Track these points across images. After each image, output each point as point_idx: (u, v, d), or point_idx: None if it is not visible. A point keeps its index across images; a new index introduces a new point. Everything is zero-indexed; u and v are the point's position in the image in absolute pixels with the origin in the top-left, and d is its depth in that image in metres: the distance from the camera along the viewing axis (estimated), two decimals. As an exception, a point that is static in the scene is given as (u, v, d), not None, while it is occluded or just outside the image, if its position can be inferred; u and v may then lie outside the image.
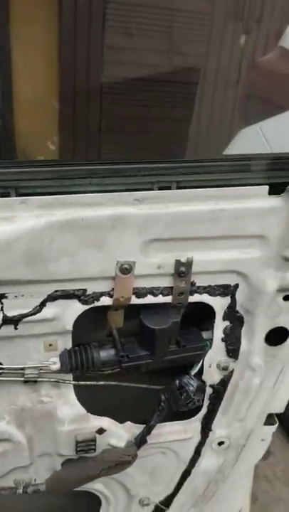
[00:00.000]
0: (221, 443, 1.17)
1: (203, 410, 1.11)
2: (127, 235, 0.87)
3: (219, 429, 1.14)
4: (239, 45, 5.19)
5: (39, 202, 0.82)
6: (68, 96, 5.26)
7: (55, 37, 5.03)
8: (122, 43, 5.22)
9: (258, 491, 2.38)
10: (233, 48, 5.40)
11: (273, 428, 1.23)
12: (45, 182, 0.84)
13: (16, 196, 0.82)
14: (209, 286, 0.97)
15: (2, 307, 0.87)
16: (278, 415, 2.51)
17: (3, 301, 0.87)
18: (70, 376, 1.00)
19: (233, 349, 1.04)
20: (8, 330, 0.90)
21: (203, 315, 1.03)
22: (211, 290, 0.98)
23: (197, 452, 1.17)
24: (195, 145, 5.58)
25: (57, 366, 0.95)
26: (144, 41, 5.16)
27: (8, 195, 0.82)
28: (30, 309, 0.90)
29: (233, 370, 1.07)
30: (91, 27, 5.11)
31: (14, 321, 0.89)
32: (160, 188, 0.89)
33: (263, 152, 0.92)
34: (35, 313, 0.90)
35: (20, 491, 1.10)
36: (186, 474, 1.21)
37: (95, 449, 1.06)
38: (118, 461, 1.08)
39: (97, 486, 1.18)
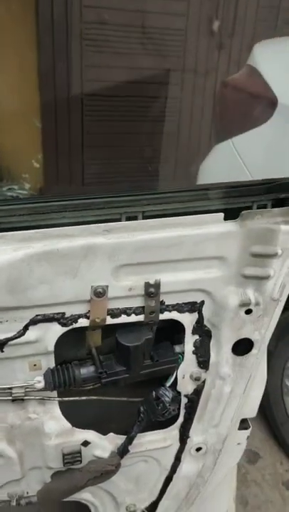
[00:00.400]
0: (198, 449, 1.25)
1: (180, 419, 1.19)
2: (98, 262, 0.96)
3: (196, 436, 1.23)
4: (213, 60, 5.33)
5: (17, 236, 0.90)
6: (50, 114, 5.36)
7: (34, 56, 5.14)
8: (100, 61, 5.34)
9: (248, 495, 2.46)
10: (208, 63, 5.54)
11: (247, 432, 1.31)
12: (22, 217, 0.92)
13: None
14: (177, 304, 1.06)
15: None
16: (268, 420, 2.58)
17: None
18: (54, 393, 1.07)
19: (203, 361, 1.13)
20: None
21: (175, 330, 1.12)
22: (179, 307, 1.07)
23: (177, 459, 1.25)
24: (172, 158, 5.70)
25: (41, 385, 1.03)
26: (121, 59, 5.29)
27: None
28: (15, 333, 0.98)
29: (205, 380, 1.15)
30: (69, 45, 5.22)
31: (0, 345, 0.97)
32: (128, 219, 0.98)
33: (222, 180, 1.01)
34: (19, 337, 0.98)
35: (14, 503, 1.16)
36: (168, 480, 1.28)
37: (80, 461, 1.14)
38: (103, 471, 1.15)
39: (85, 496, 1.25)
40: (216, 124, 3.95)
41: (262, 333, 1.11)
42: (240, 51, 5.31)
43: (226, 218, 1.00)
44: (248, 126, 2.49)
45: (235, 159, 2.54)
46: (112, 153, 5.59)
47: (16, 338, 0.98)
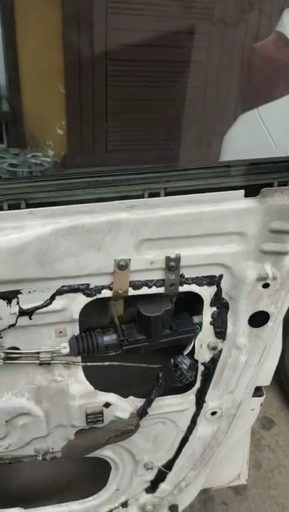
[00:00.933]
0: (213, 413, 1.32)
1: (197, 385, 1.26)
2: (121, 236, 1.00)
3: (212, 401, 1.29)
4: (243, 23, 5.14)
5: (45, 212, 0.95)
6: (74, 79, 5.31)
7: (59, 22, 5.05)
8: (125, 24, 5.22)
9: (261, 459, 2.56)
10: (236, 25, 5.35)
11: (261, 399, 1.37)
12: (50, 193, 0.97)
13: (26, 206, 0.96)
14: (197, 277, 1.11)
15: (18, 301, 1.02)
16: (285, 391, 2.65)
17: (19, 296, 1.01)
18: (78, 358, 1.15)
19: (220, 331, 1.18)
20: (24, 320, 1.04)
21: (194, 302, 1.17)
22: (198, 281, 1.11)
23: (193, 421, 1.32)
24: (197, 126, 5.60)
25: (66, 350, 1.10)
26: (146, 22, 5.16)
27: (19, 205, 0.96)
28: (42, 302, 1.04)
29: (221, 349, 1.21)
30: (93, 9, 5.10)
31: (29, 313, 1.04)
32: (150, 195, 1.01)
33: (244, 157, 1.03)
34: (46, 306, 1.04)
35: (40, 458, 1.26)
36: (184, 441, 1.36)
37: (102, 421, 1.22)
38: (123, 430, 1.24)
39: (106, 453, 1.34)
40: (242, 92, 3.88)
41: (278, 307, 1.15)
42: (271, 13, 5.11)
43: (246, 195, 1.02)
44: (276, 95, 2.43)
45: (261, 129, 2.50)
46: (135, 120, 5.53)
47: (44, 307, 1.04)
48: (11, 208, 0.95)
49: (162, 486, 1.44)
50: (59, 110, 5.53)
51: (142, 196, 1.01)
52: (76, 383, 1.17)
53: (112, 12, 5.12)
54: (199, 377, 1.25)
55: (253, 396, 1.35)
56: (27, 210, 0.94)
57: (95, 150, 5.72)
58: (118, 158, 5.59)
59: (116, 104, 5.60)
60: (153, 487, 1.45)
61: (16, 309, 1.03)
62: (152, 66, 5.47)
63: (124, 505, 1.47)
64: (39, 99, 5.34)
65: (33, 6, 4.76)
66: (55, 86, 5.39)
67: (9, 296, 1.01)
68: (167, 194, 1.02)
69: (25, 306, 1.03)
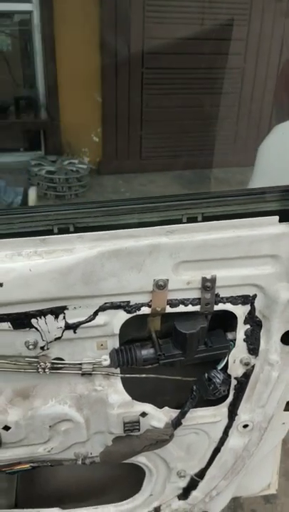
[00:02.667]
0: (245, 426, 1.36)
1: (230, 398, 1.31)
2: (161, 258, 1.07)
3: (244, 414, 1.34)
4: (279, 32, 5.13)
5: (92, 236, 1.03)
6: (110, 88, 5.42)
7: (96, 33, 5.16)
8: (162, 33, 5.29)
9: (290, 469, 2.57)
10: (274, 34, 5.34)
11: (293, 413, 1.41)
12: (96, 219, 1.05)
13: (74, 230, 1.04)
14: (231, 296, 1.16)
15: (64, 316, 1.10)
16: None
17: (66, 311, 1.10)
18: (118, 370, 1.22)
19: (253, 348, 1.23)
20: (69, 334, 1.13)
21: (228, 319, 1.22)
22: (233, 300, 1.16)
23: (225, 433, 1.38)
24: (231, 134, 5.61)
25: (107, 362, 1.18)
26: (183, 30, 5.22)
27: (68, 229, 1.04)
28: (86, 317, 1.12)
29: (254, 365, 1.26)
30: (131, 20, 5.19)
31: (74, 327, 1.12)
32: (188, 220, 1.08)
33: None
34: (90, 321, 1.12)
35: (80, 462, 1.34)
36: (216, 451, 1.41)
37: (139, 429, 1.29)
38: (158, 439, 1.30)
39: (141, 459, 1.41)
40: (277, 102, 3.88)
41: None
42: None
43: (281, 220, 1.07)
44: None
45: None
46: (169, 127, 5.59)
47: (87, 321, 1.12)
48: (60, 231, 1.03)
49: (194, 493, 1.50)
50: (95, 118, 5.65)
51: (180, 221, 1.07)
52: (115, 393, 1.24)
53: (148, 21, 5.19)
54: (232, 391, 1.30)
55: (285, 410, 1.38)
56: (76, 234, 1.02)
57: (130, 156, 5.82)
58: (152, 164, 5.67)
59: (151, 112, 5.67)
60: (185, 494, 1.51)
61: (62, 324, 1.11)
62: (187, 74, 5.52)
63: (157, 510, 1.53)
64: (76, 108, 5.48)
65: (72, 20, 4.90)
66: (91, 95, 5.52)
67: (57, 312, 1.09)
68: (204, 218, 1.08)
69: (70, 321, 1.11)
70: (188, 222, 1.07)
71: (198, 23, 5.28)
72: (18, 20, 5.50)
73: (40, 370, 1.14)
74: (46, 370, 1.15)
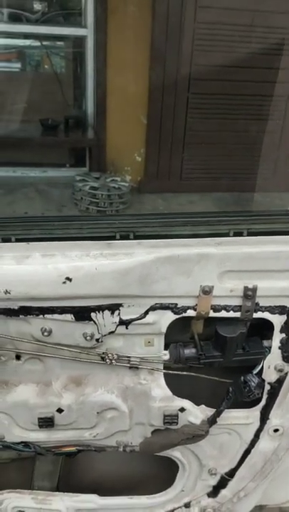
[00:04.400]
0: (276, 430, 1.46)
1: (262, 402, 1.41)
2: (208, 267, 1.21)
3: (275, 419, 1.44)
4: None
5: (150, 243, 1.18)
6: (156, 111, 5.64)
7: (147, 59, 5.40)
8: (209, 59, 5.49)
9: None
10: None
11: None
12: (154, 229, 1.20)
13: (134, 238, 1.19)
14: (270, 306, 1.28)
15: (119, 313, 1.25)
16: None
17: (120, 308, 1.24)
18: (161, 366, 1.35)
19: (287, 355, 1.33)
20: (122, 329, 1.27)
21: (265, 328, 1.34)
22: (271, 309, 1.28)
23: (256, 435, 1.47)
24: (271, 160, 5.70)
25: (167, 357, 1.31)
26: (230, 58, 5.40)
27: (128, 236, 1.20)
28: (138, 315, 1.26)
29: (287, 372, 1.36)
30: (181, 47, 5.40)
31: (126, 323, 1.26)
32: (235, 234, 1.22)
33: None
34: (141, 319, 1.26)
35: (121, 449, 1.47)
36: (246, 453, 1.51)
37: (177, 423, 1.41)
38: (194, 434, 1.42)
39: (176, 454, 1.52)
40: None
41: None
42: None
43: None
44: None
45: None
46: (211, 151, 5.74)
47: (139, 319, 1.26)
48: (122, 238, 1.19)
49: (223, 492, 1.59)
50: (139, 139, 5.87)
51: (228, 234, 1.21)
52: (158, 387, 1.37)
53: (197, 48, 5.40)
54: (265, 396, 1.40)
55: None
56: (136, 241, 1.18)
57: (170, 177, 6.00)
58: (191, 185, 5.83)
59: (194, 135, 5.85)
60: (215, 492, 1.60)
61: (117, 319, 1.26)
62: (231, 100, 5.68)
63: (187, 505, 1.63)
64: (122, 129, 5.71)
65: (124, 45, 5.16)
66: (137, 117, 5.75)
67: (113, 308, 1.24)
68: (249, 234, 1.22)
69: (124, 317, 1.26)
70: (234, 236, 1.21)
71: (246, 52, 5.44)
72: (72, 43, 5.80)
73: (107, 360, 1.28)
74: (113, 361, 1.29)
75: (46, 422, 1.37)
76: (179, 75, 5.56)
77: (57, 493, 1.62)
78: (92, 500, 1.59)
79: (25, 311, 1.21)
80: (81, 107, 5.99)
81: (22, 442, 1.42)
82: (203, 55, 5.44)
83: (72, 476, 1.75)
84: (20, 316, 1.22)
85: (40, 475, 1.64)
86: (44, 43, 5.88)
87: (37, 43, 5.88)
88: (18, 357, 1.32)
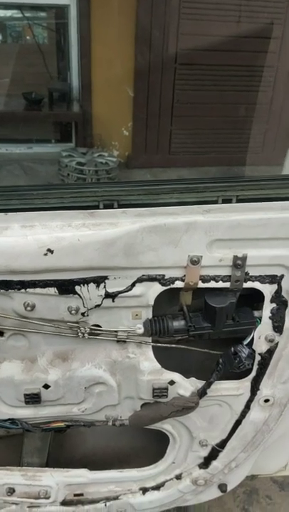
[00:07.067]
0: (266, 400, 1.44)
1: (253, 373, 1.39)
2: (196, 236, 1.16)
3: (265, 389, 1.42)
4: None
5: (135, 212, 1.13)
6: (143, 83, 5.51)
7: (132, 29, 5.25)
8: (196, 29, 5.35)
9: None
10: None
11: (313, 392, 1.49)
12: (139, 197, 1.15)
13: (118, 207, 1.14)
14: (260, 275, 1.25)
15: (105, 285, 1.21)
16: None
17: (106, 281, 1.20)
18: (149, 339, 1.32)
19: (278, 326, 1.31)
20: (108, 302, 1.23)
21: (255, 297, 1.31)
22: (261, 279, 1.25)
23: (247, 406, 1.46)
24: (261, 132, 5.63)
25: (141, 331, 1.28)
26: (217, 27, 5.26)
27: (112, 205, 1.15)
28: (124, 288, 1.22)
29: (278, 342, 1.34)
30: (167, 17, 5.25)
31: (113, 296, 1.22)
32: (224, 201, 1.17)
33: None
34: (127, 291, 1.22)
35: (110, 423, 1.45)
36: (237, 423, 1.50)
37: (166, 396, 1.38)
38: (184, 406, 1.40)
39: (166, 427, 1.51)
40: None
41: None
42: None
43: None
44: None
45: None
46: (199, 123, 5.65)
47: (125, 292, 1.22)
48: (105, 207, 1.14)
49: (214, 463, 1.59)
50: (126, 112, 5.76)
51: (216, 202, 1.17)
52: (146, 361, 1.34)
53: (184, 17, 5.25)
54: (256, 366, 1.39)
55: None
56: (120, 209, 1.13)
57: (159, 151, 5.91)
58: (180, 160, 5.75)
59: (182, 108, 5.75)
60: (206, 463, 1.60)
61: (102, 292, 1.21)
62: (219, 70, 5.57)
63: (179, 477, 1.63)
64: (108, 102, 5.59)
65: (108, 15, 5.00)
66: (124, 90, 5.62)
67: (99, 281, 1.20)
68: (238, 201, 1.17)
69: (110, 290, 1.22)
70: (223, 203, 1.16)
71: (234, 21, 5.31)
72: (55, 13, 5.61)
73: (80, 334, 1.25)
74: (85, 335, 1.26)
75: (33, 399, 1.34)
76: (165, 46, 5.43)
77: (46, 468, 1.60)
78: (82, 474, 1.58)
79: (6, 285, 1.16)
80: (66, 79, 5.83)
81: (9, 419, 1.40)
82: (190, 25, 5.30)
83: (61, 452, 1.74)
84: (1, 291, 1.17)
85: (29, 451, 1.62)
86: (26, 14, 5.68)
87: (18, 14, 5.68)
88: (1, 333, 1.28)
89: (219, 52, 5.34)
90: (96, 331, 1.28)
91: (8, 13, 5.45)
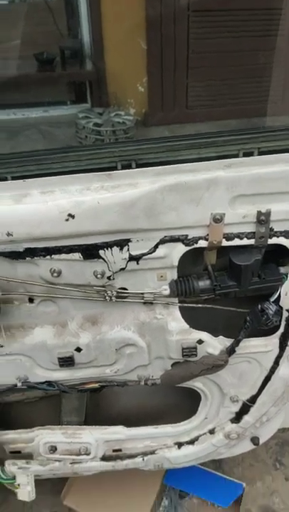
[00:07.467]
0: None
1: (281, 329, 1.38)
2: (218, 192, 1.13)
3: None
4: None
5: (153, 171, 1.10)
6: (155, 34, 5.29)
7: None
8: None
9: None
10: None
11: None
12: (157, 155, 1.11)
13: (136, 166, 1.11)
14: (285, 230, 1.21)
15: (128, 248, 1.20)
16: None
17: (129, 244, 1.19)
18: (176, 300, 1.32)
19: None
20: (133, 265, 1.22)
21: (281, 253, 1.28)
22: (286, 234, 1.21)
23: (276, 362, 1.46)
24: (281, 80, 5.38)
25: (167, 292, 1.27)
26: None
27: (130, 165, 1.12)
28: (148, 250, 1.21)
29: None
30: None
31: (136, 258, 1.22)
32: (245, 154, 1.12)
33: None
34: (151, 253, 1.21)
35: (142, 383, 1.48)
36: (267, 379, 1.51)
37: (196, 355, 1.40)
38: (214, 364, 1.41)
39: (197, 384, 1.53)
40: None
41: None
42: None
43: None
44: None
45: None
46: (217, 74, 5.43)
47: (149, 254, 1.21)
48: (123, 167, 1.11)
49: (246, 417, 1.61)
50: (140, 67, 5.56)
51: (237, 156, 1.12)
52: (174, 321, 1.35)
53: None
54: (283, 323, 1.37)
55: None
56: (139, 169, 1.10)
57: (175, 106, 5.74)
58: (198, 114, 5.57)
59: (197, 58, 5.52)
60: (238, 418, 1.63)
61: (126, 255, 1.21)
62: (234, 15, 5.28)
63: (212, 432, 1.67)
64: (121, 57, 5.40)
65: None
66: (136, 43, 5.41)
67: (122, 244, 1.19)
68: (260, 153, 1.12)
69: (134, 253, 1.21)
70: (244, 156, 1.12)
71: None
72: None
73: (107, 298, 1.26)
74: (113, 298, 1.26)
75: (66, 362, 1.37)
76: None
77: (85, 426, 1.66)
78: (119, 431, 1.63)
79: (31, 253, 1.17)
80: (76, 36, 5.65)
81: (46, 382, 1.44)
82: None
83: (98, 410, 1.80)
84: (27, 259, 1.18)
85: (67, 411, 1.68)
86: None
87: None
88: (30, 300, 1.29)
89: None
90: (123, 294, 1.28)
91: None
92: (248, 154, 1.12)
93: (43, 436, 1.62)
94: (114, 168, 1.11)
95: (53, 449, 1.62)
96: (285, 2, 4.90)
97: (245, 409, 1.60)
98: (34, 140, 5.00)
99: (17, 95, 5.35)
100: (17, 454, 1.65)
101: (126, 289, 1.28)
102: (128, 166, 1.12)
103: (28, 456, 1.65)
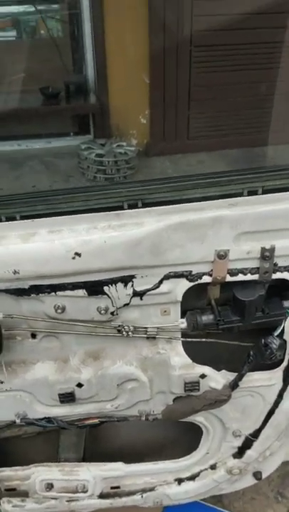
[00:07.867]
0: None
1: (285, 363, 1.39)
2: (223, 230, 1.16)
3: None
4: None
5: (159, 210, 1.13)
6: (158, 68, 5.44)
7: (146, 14, 5.17)
8: (209, 10, 5.23)
9: None
10: None
11: None
12: (162, 194, 1.15)
13: (142, 206, 1.14)
14: None
15: (133, 284, 1.21)
16: None
17: (134, 280, 1.20)
18: (179, 334, 1.32)
19: None
20: (137, 300, 1.24)
21: (285, 288, 1.29)
22: None
23: (280, 396, 1.46)
24: (282, 111, 5.50)
25: (184, 325, 1.28)
26: (230, 6, 5.14)
27: (136, 205, 1.15)
28: (152, 285, 1.22)
29: None
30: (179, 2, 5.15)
31: (140, 294, 1.23)
32: (249, 193, 1.16)
33: None
34: (155, 288, 1.23)
35: (143, 418, 1.47)
36: (270, 413, 1.50)
37: (198, 389, 1.39)
38: (216, 399, 1.40)
39: (199, 419, 1.51)
40: None
41: None
42: None
43: None
44: None
45: None
46: (217, 106, 5.55)
47: (153, 289, 1.23)
48: (130, 207, 1.14)
49: (248, 452, 1.59)
50: (143, 100, 5.70)
51: (241, 194, 1.15)
52: (177, 356, 1.35)
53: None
54: (287, 356, 1.38)
55: None
56: (145, 209, 1.13)
57: (177, 137, 5.84)
58: (199, 144, 5.68)
59: (199, 91, 5.65)
60: (240, 453, 1.61)
61: (130, 291, 1.22)
62: (236, 50, 5.45)
63: (213, 467, 1.64)
64: (124, 91, 5.54)
65: (120, 3, 4.92)
66: (139, 77, 5.55)
67: (126, 280, 1.20)
68: (264, 192, 1.16)
69: (138, 289, 1.22)
70: (249, 195, 1.15)
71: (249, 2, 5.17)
72: (67, 4, 5.57)
73: (124, 333, 1.26)
74: (130, 333, 1.26)
75: (67, 398, 1.37)
76: (180, 28, 5.33)
77: (83, 463, 1.64)
78: (118, 468, 1.61)
79: (37, 290, 1.18)
80: (81, 71, 5.80)
81: (45, 418, 1.43)
82: (205, 5, 5.19)
83: (96, 445, 1.77)
84: (32, 295, 1.19)
85: (65, 447, 1.65)
86: (38, 7, 5.66)
87: (31, 8, 5.67)
88: (33, 335, 1.30)
89: (235, 31, 5.22)
90: (140, 329, 1.28)
91: (21, 8, 5.46)
92: (252, 193, 1.15)
93: (39, 474, 1.59)
94: (121, 208, 1.14)
95: (50, 487, 1.59)
96: (284, 35, 5.05)
97: (247, 444, 1.59)
98: (37, 171, 5.09)
99: (22, 127, 5.46)
100: (12, 492, 1.62)
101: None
102: (134, 206, 1.15)
103: (24, 494, 1.62)
